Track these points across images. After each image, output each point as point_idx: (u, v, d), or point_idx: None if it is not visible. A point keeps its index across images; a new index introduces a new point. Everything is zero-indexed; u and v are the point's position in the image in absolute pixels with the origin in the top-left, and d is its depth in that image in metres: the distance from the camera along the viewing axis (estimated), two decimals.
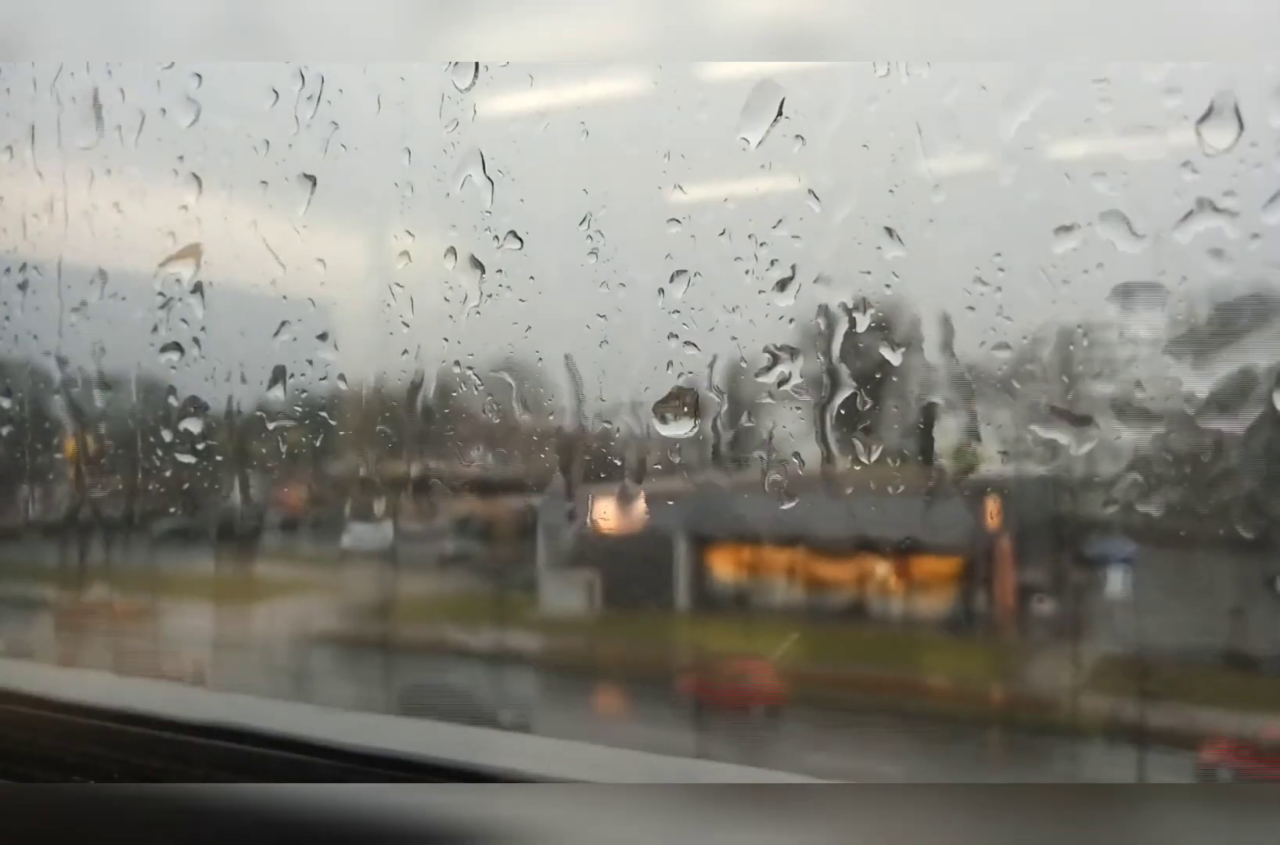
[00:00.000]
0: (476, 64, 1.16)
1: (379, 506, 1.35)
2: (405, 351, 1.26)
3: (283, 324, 1.34)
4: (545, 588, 1.43)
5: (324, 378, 1.34)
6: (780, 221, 1.02)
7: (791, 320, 1.03)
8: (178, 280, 1.44)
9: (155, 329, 1.46)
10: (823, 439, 1.04)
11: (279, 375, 1.35)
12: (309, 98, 1.28)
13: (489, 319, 1.19)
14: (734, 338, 1.06)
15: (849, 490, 1.04)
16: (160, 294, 1.45)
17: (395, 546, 1.39)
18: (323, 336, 1.32)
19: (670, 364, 1.09)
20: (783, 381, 1.05)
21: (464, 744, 1.16)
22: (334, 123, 1.28)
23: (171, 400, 1.46)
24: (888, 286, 0.99)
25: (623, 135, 1.11)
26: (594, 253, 1.12)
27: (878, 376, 1.01)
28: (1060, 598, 1.09)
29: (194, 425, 1.45)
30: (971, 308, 0.95)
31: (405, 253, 1.27)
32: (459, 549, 1.44)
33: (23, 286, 1.61)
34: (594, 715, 1.45)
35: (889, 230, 0.97)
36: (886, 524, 1.05)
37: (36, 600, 1.80)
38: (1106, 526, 0.97)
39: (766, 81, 1.01)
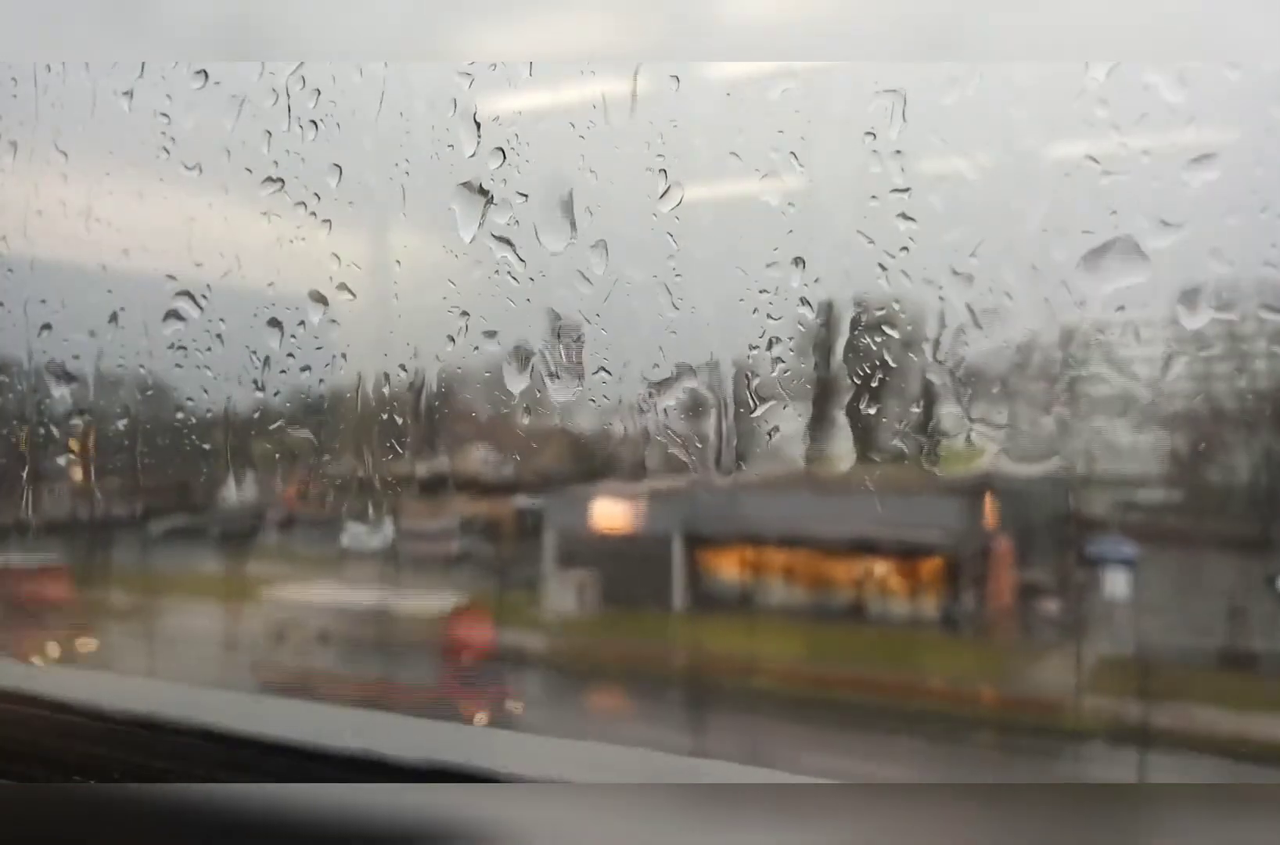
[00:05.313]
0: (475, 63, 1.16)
1: None
2: (412, 349, 1.26)
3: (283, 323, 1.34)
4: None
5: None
6: (779, 221, 1.02)
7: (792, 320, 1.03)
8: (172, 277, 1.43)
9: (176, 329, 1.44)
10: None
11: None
12: (309, 97, 1.28)
13: (487, 317, 1.19)
14: (734, 337, 1.06)
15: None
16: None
17: None
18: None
19: (668, 359, 1.09)
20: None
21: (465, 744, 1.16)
22: (334, 123, 1.27)
23: None
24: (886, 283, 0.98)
25: (622, 135, 1.11)
26: (596, 249, 1.12)
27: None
28: None
29: None
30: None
31: (404, 251, 1.27)
32: None
33: None
34: None
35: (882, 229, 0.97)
36: None
37: None
38: None
39: (765, 80, 1.01)
